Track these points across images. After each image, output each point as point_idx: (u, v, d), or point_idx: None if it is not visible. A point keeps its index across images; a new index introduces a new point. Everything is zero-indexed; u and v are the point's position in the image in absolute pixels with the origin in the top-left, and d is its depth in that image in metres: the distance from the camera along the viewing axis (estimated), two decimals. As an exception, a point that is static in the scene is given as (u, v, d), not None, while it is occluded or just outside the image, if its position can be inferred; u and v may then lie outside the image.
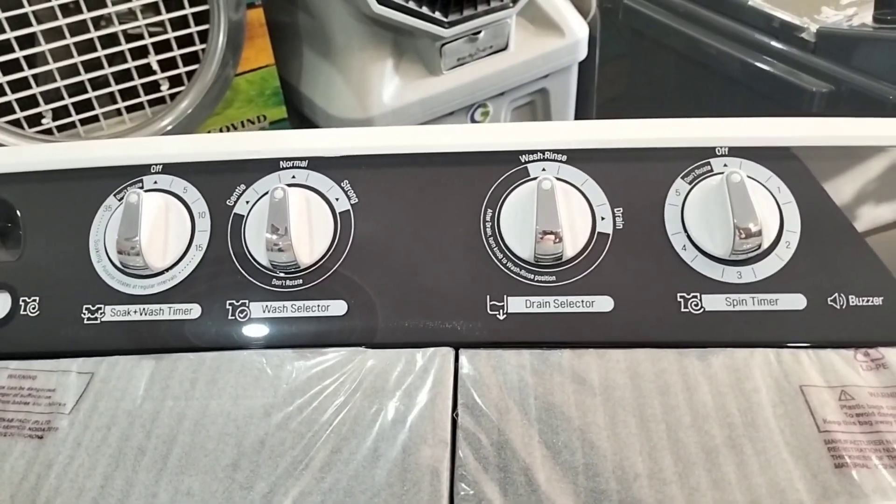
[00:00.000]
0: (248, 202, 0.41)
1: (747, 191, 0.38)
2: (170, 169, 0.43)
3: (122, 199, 0.42)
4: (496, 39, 1.15)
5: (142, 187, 0.42)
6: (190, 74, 1.01)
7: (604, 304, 0.39)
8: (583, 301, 0.39)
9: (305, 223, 0.40)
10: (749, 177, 0.39)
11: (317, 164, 0.42)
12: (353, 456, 0.35)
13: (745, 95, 0.80)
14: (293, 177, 0.41)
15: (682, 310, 0.38)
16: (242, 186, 0.42)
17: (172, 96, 1.00)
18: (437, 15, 1.06)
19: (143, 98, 0.97)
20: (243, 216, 0.41)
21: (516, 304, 0.39)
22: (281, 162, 0.42)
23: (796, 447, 0.34)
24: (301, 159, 0.42)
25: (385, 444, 0.35)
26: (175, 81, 0.99)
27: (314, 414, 0.36)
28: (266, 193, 0.41)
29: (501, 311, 0.39)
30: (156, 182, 0.43)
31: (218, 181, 0.42)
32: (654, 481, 0.33)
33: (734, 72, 0.80)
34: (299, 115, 1.17)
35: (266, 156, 0.42)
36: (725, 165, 0.40)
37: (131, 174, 0.43)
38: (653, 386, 0.37)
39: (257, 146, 0.42)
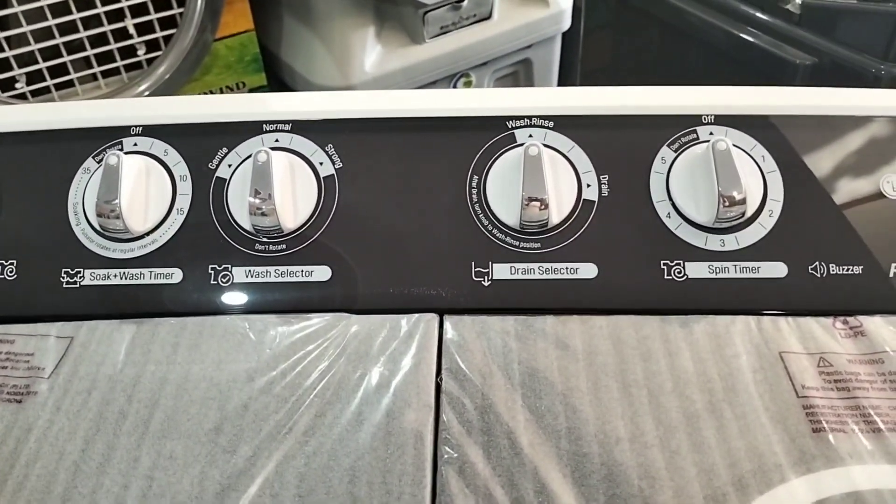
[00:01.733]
0: (230, 165, 0.41)
1: (732, 159, 0.38)
2: (150, 131, 0.42)
3: (101, 161, 0.41)
4: (480, 8, 1.14)
5: (121, 149, 0.41)
6: (167, 39, 0.98)
7: (588, 270, 0.39)
8: (567, 268, 0.39)
9: (289, 187, 0.39)
10: (734, 145, 0.39)
11: (301, 127, 0.41)
12: (336, 420, 0.35)
13: (729, 67, 0.80)
14: (276, 140, 0.41)
15: (666, 277, 0.39)
16: (225, 149, 0.41)
17: (149, 61, 0.98)
18: (421, -19, 1.04)
19: (120, 63, 0.95)
20: (226, 180, 0.40)
21: (501, 271, 0.39)
22: (264, 125, 0.41)
23: (775, 412, 0.35)
24: (285, 122, 0.41)
25: (369, 408, 0.35)
26: (152, 46, 0.97)
27: (298, 378, 0.36)
28: (249, 157, 0.40)
29: (486, 277, 0.39)
30: (136, 144, 0.42)
31: (199, 144, 0.41)
32: (636, 445, 0.34)
33: (719, 43, 0.80)
34: (279, 83, 1.15)
35: (249, 118, 0.41)
36: (711, 133, 0.40)
37: (111, 136, 0.42)
38: (635, 352, 0.37)
39: (240, 109, 0.42)
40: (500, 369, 0.37)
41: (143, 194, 0.40)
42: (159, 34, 0.96)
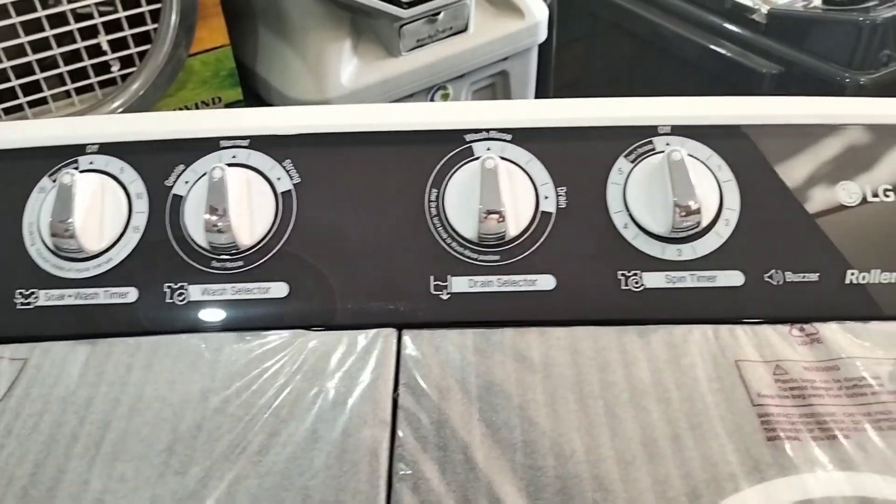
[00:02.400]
0: (187, 182, 0.40)
1: (687, 169, 0.38)
2: (106, 149, 0.41)
3: (56, 180, 0.40)
4: (456, 21, 1.14)
5: (77, 168, 0.41)
6: (142, 55, 0.98)
7: (546, 282, 0.39)
8: (526, 280, 0.39)
9: (246, 204, 0.39)
10: (690, 155, 0.40)
11: (258, 143, 0.41)
12: (290, 438, 0.34)
13: (700, 77, 0.81)
14: (234, 156, 0.41)
15: (623, 287, 0.39)
16: (182, 166, 0.41)
17: (123, 77, 0.98)
18: (396, -5, 1.05)
19: (94, 79, 0.95)
20: (182, 197, 0.40)
21: (460, 284, 0.39)
22: (221, 141, 0.41)
23: (730, 421, 0.34)
24: (242, 138, 0.41)
25: (324, 426, 0.35)
26: (126, 62, 0.97)
27: (253, 397, 0.36)
28: (206, 174, 0.40)
29: (445, 290, 0.39)
30: (91, 162, 0.41)
31: (156, 161, 0.41)
32: (591, 457, 0.33)
33: (689, 54, 0.81)
34: (256, 97, 1.15)
35: (206, 135, 0.41)
36: (668, 144, 0.40)
37: (66, 154, 0.42)
38: (592, 363, 0.37)
39: (197, 125, 0.41)
40: (458, 383, 0.36)
41: (99, 213, 0.40)
42: (133, 50, 0.96)
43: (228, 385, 0.36)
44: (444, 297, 0.39)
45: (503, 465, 0.33)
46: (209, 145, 0.41)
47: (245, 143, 0.41)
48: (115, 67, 0.96)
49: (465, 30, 1.16)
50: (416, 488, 0.33)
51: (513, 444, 0.34)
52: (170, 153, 0.41)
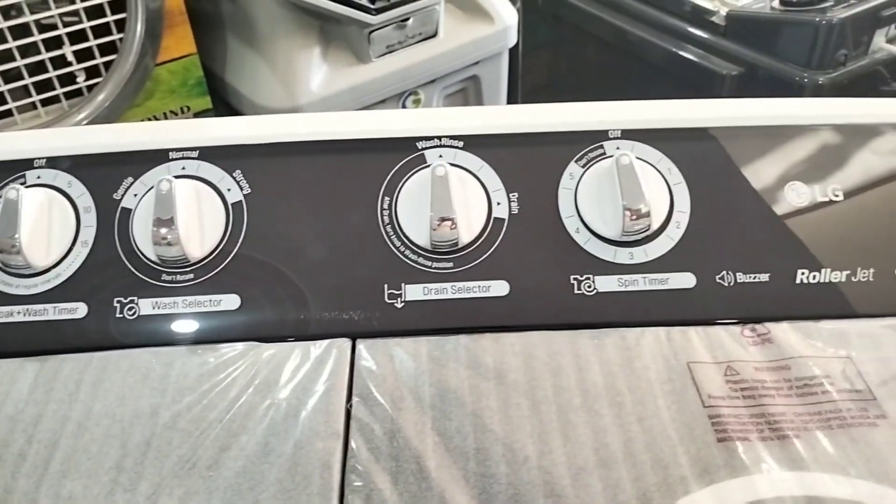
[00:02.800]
0: (135, 195, 0.40)
1: (636, 172, 0.38)
2: (54, 163, 0.41)
3: (1, 196, 0.40)
4: (425, 26, 1.14)
5: (24, 183, 0.41)
6: (108, 65, 0.97)
7: (500, 288, 0.39)
8: (479, 286, 0.39)
9: (195, 215, 0.39)
10: (641, 159, 0.40)
11: (208, 154, 0.40)
12: (242, 452, 0.34)
13: (665, 81, 0.81)
14: (183, 168, 0.40)
15: (576, 291, 0.39)
16: (130, 179, 0.40)
17: (90, 88, 0.97)
18: (364, 1, 1.05)
19: (59, 90, 0.93)
20: (131, 210, 0.40)
21: (414, 292, 0.39)
22: (170, 153, 0.40)
23: (681, 423, 0.35)
24: (191, 150, 0.41)
25: (276, 439, 0.34)
26: (92, 73, 0.96)
27: (204, 411, 0.35)
28: (154, 186, 0.39)
29: (399, 299, 0.39)
30: (39, 177, 0.41)
31: (104, 174, 0.40)
32: (543, 462, 0.33)
33: (654, 58, 0.81)
34: (226, 106, 1.15)
35: (155, 147, 0.41)
36: (618, 148, 0.41)
37: (13, 170, 0.41)
38: (546, 368, 0.37)
39: (145, 137, 0.41)
40: (411, 392, 0.36)
41: (46, 228, 0.39)
42: (99, 60, 0.95)
43: (179, 400, 0.36)
44: (399, 305, 0.39)
45: (455, 474, 0.33)
46: (158, 157, 0.40)
47: (194, 154, 0.40)
48: (81, 78, 0.95)
49: (434, 35, 1.16)
50: (368, 500, 0.32)
51: (465, 453, 0.34)
52: (118, 166, 0.40)
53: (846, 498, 0.32)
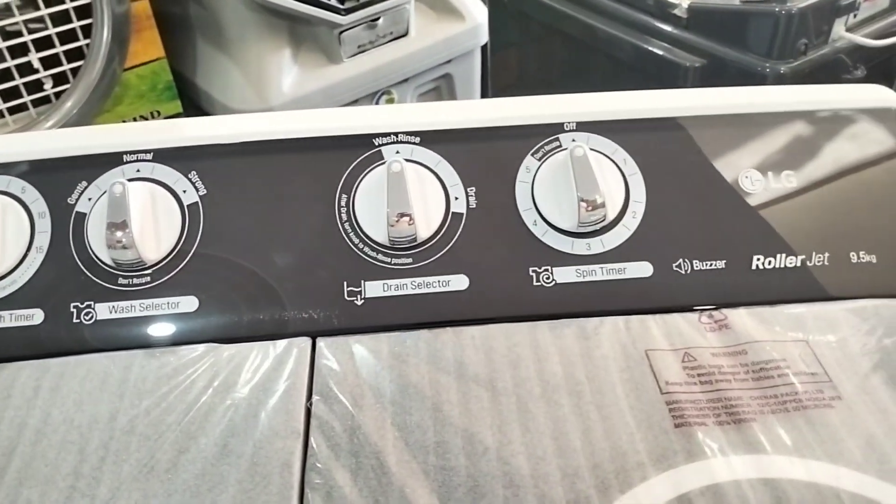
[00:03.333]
0: (90, 199, 0.40)
1: (590, 164, 0.38)
2: (6, 169, 0.40)
3: (-46, 203, 0.39)
4: (396, 25, 1.14)
5: (-24, 190, 0.40)
6: (75, 71, 0.96)
7: (460, 282, 0.39)
8: (439, 281, 0.39)
9: (150, 218, 0.39)
10: (596, 150, 0.40)
11: (162, 156, 0.40)
12: (200, 454, 0.34)
13: (631, 75, 0.82)
14: (138, 170, 0.40)
15: (535, 283, 0.39)
16: (84, 183, 0.40)
17: (58, 95, 0.96)
18: (333, 2, 1.04)
19: (27, 98, 0.93)
20: (86, 214, 0.39)
21: (374, 289, 0.39)
22: (125, 156, 0.40)
23: (639, 410, 0.35)
24: (146, 152, 0.40)
25: (236, 439, 0.34)
26: (60, 79, 0.95)
27: (162, 415, 0.35)
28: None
29: (359, 296, 0.39)
30: (-8, 183, 0.40)
31: (58, 179, 0.40)
32: (503, 453, 0.33)
33: (619, 52, 0.82)
34: (197, 109, 1.14)
35: (109, 150, 0.40)
36: (573, 140, 0.41)
37: (-34, 176, 0.41)
38: (505, 360, 0.37)
39: (99, 141, 0.41)
40: (372, 389, 0.36)
41: (0, 235, 0.39)
42: (66, 67, 0.94)
43: (137, 403, 0.36)
44: (359, 302, 0.39)
45: (415, 468, 0.33)
46: (112, 160, 0.40)
47: (149, 156, 0.40)
48: (48, 85, 0.94)
49: (405, 34, 1.16)
50: (328, 497, 0.32)
51: (425, 446, 0.34)
52: (72, 170, 0.40)
53: (802, 479, 0.33)
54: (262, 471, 0.33)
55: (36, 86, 0.93)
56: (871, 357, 0.38)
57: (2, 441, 0.35)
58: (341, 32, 1.08)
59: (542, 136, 0.41)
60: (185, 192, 0.40)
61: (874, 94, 0.45)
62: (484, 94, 1.18)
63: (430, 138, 0.41)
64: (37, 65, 0.93)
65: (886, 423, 0.35)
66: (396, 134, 0.41)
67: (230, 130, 0.41)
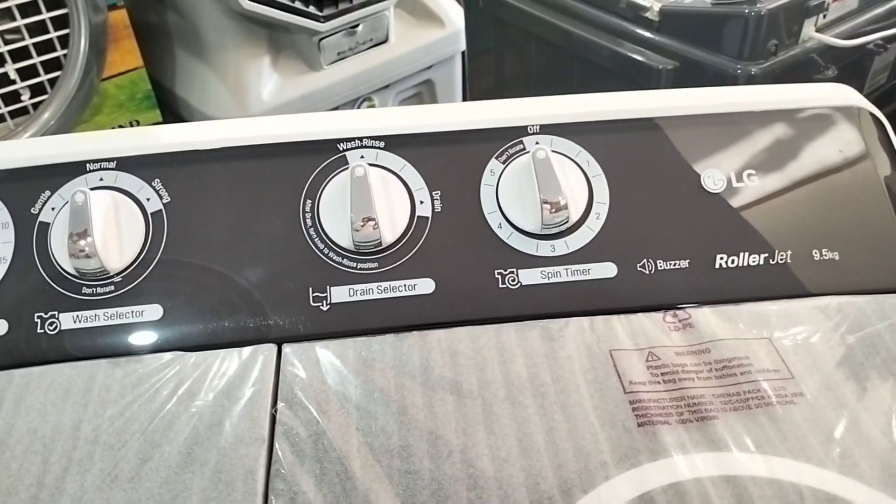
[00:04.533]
0: (53, 209, 0.39)
1: (552, 166, 0.39)
2: (-31, 180, 0.40)
3: (-84, 214, 0.39)
4: (376, 32, 1.15)
5: (-61, 201, 0.40)
6: (53, 82, 0.96)
7: (425, 286, 0.39)
8: (405, 285, 0.39)
9: (113, 226, 0.38)
10: (558, 152, 0.40)
11: (126, 164, 0.40)
12: (163, 463, 0.34)
13: (605, 78, 0.82)
14: (101, 179, 0.40)
15: (501, 286, 0.39)
16: (48, 193, 0.40)
17: (35, 106, 0.96)
18: (312, 9, 1.05)
19: (4, 109, 0.92)
20: (49, 224, 0.39)
21: (339, 294, 0.39)
22: (87, 164, 0.40)
23: (603, 410, 0.35)
24: (109, 160, 0.40)
25: (200, 447, 0.34)
26: (37, 90, 0.94)
27: (126, 424, 0.35)
28: (72, 199, 0.39)
29: (325, 302, 0.39)
30: (-45, 194, 0.40)
31: (21, 189, 0.40)
32: (467, 456, 0.34)
33: (593, 55, 0.83)
34: (177, 118, 1.14)
35: (72, 159, 0.40)
36: (537, 143, 0.41)
37: (-71, 188, 0.40)
38: (471, 362, 0.37)
39: (61, 149, 0.40)
40: (337, 394, 0.36)
41: (-38, 245, 0.39)
42: (44, 77, 0.94)
43: (101, 413, 0.36)
44: (325, 308, 0.39)
45: (379, 473, 0.33)
46: (75, 169, 0.40)
47: (112, 164, 0.40)
48: (26, 96, 0.94)
49: (385, 41, 1.16)
50: (292, 503, 0.32)
51: (390, 451, 0.34)
52: (35, 180, 0.40)
53: (763, 476, 0.33)
54: (226, 478, 0.33)
55: (13, 97, 0.93)
56: (834, 354, 0.38)
57: (-36, 453, 0.35)
58: (321, 40, 1.08)
59: (506, 139, 0.41)
60: (148, 199, 0.40)
61: (838, 93, 0.46)
62: (465, 100, 1.18)
63: (394, 143, 0.41)
64: (14, 76, 0.92)
65: (848, 418, 0.35)
66: (361, 139, 0.41)
67: (194, 138, 0.41)
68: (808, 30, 0.73)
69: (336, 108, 1.16)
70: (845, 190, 0.43)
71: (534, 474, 0.33)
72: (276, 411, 0.36)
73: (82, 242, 0.37)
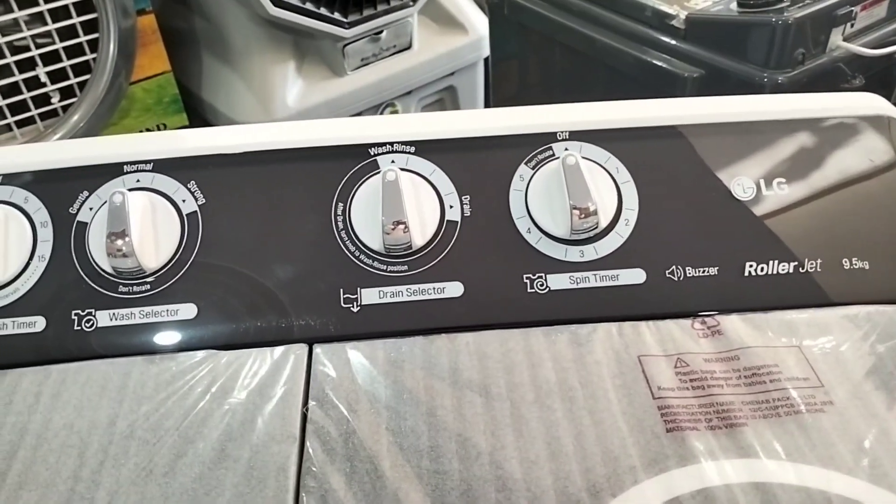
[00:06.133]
0: (91, 209, 0.40)
1: (582, 172, 0.39)
2: (9, 179, 0.41)
3: (-42, 213, 0.40)
4: (399, 39, 1.16)
5: (-20, 200, 0.41)
6: (82, 85, 0.98)
7: (454, 289, 0.40)
8: (434, 288, 0.40)
9: (150, 227, 0.39)
10: (588, 159, 0.41)
11: (162, 166, 0.41)
12: (197, 458, 0.34)
13: (629, 86, 0.82)
14: (138, 180, 0.41)
15: (529, 290, 0.39)
16: (86, 193, 0.41)
17: (64, 108, 0.98)
18: (337, 16, 1.06)
19: (34, 112, 0.94)
20: (87, 223, 0.40)
21: (370, 296, 0.40)
22: (125, 166, 0.41)
23: (631, 415, 0.35)
24: (146, 162, 0.41)
25: (233, 444, 0.35)
26: (67, 93, 0.96)
27: (160, 420, 0.36)
28: (109, 199, 0.40)
29: (355, 303, 0.39)
30: (-4, 194, 0.41)
31: (60, 189, 0.41)
32: (496, 458, 0.34)
33: (618, 63, 0.83)
34: (203, 122, 1.15)
35: (109, 161, 0.41)
36: (566, 149, 0.41)
37: (-29, 187, 0.41)
38: (499, 365, 0.37)
39: (100, 151, 0.41)
40: (367, 394, 0.37)
41: (3, 244, 0.40)
42: (73, 81, 0.96)
43: (136, 409, 0.36)
44: (355, 309, 0.39)
45: (409, 472, 0.34)
46: (113, 171, 0.41)
47: (148, 166, 0.41)
48: (56, 99, 0.96)
49: (409, 47, 1.17)
50: (323, 501, 0.33)
51: (419, 451, 0.34)
52: (74, 181, 0.41)
53: (792, 483, 0.33)
54: (258, 475, 0.34)
55: (43, 99, 0.95)
56: (863, 363, 0.38)
57: (3, 445, 0.35)
58: (345, 46, 1.09)
59: (535, 145, 0.42)
60: (184, 201, 0.41)
61: (867, 102, 0.46)
62: (487, 106, 1.18)
63: (424, 148, 0.42)
64: (44, 79, 0.94)
65: (878, 427, 0.35)
66: (392, 144, 0.42)
67: (228, 141, 0.42)
68: (836, 39, 0.73)
69: (359, 114, 1.17)
70: (875, 199, 0.42)
71: (562, 477, 0.33)
72: (307, 410, 0.36)
73: (120, 242, 0.38)
